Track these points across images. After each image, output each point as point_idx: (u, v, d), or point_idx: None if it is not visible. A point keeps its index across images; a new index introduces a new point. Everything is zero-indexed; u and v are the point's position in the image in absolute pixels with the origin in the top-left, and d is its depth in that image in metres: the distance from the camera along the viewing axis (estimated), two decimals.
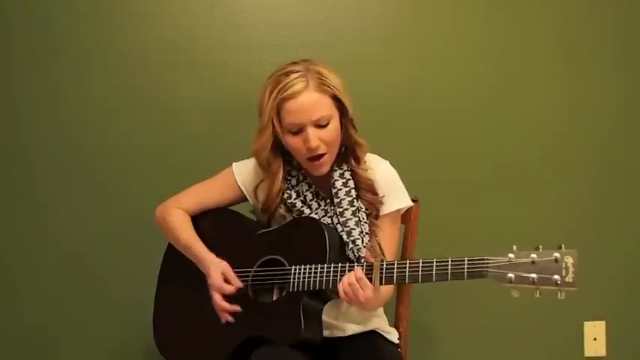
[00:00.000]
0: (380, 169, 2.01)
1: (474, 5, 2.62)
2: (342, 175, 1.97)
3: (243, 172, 2.07)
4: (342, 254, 1.89)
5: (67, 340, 2.57)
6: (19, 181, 2.55)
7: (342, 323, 2.02)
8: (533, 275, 1.57)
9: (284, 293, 1.88)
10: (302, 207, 1.98)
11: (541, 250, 1.59)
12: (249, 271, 1.94)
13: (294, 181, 2.01)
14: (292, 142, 1.91)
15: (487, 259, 1.63)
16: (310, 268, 1.83)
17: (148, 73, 2.54)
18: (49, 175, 2.55)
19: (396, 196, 2.01)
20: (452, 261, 1.67)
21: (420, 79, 2.60)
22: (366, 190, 1.97)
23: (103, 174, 2.56)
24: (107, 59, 2.54)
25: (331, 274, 1.81)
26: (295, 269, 1.86)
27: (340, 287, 1.77)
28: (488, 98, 2.63)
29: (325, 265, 1.82)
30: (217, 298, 1.92)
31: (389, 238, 2.00)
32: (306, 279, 1.83)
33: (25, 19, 2.52)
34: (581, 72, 2.66)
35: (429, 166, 2.58)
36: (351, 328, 2.02)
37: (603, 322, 2.67)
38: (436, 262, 1.69)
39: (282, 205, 1.99)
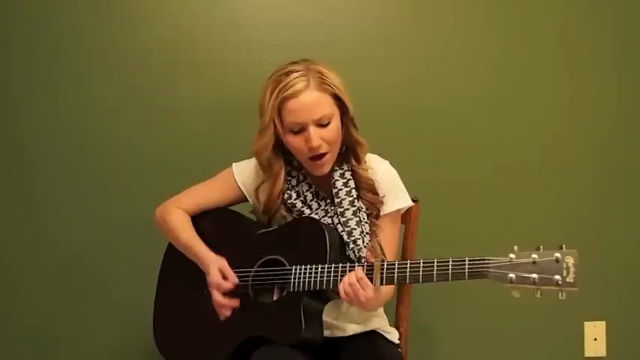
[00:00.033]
0: (380, 169, 2.01)
1: (473, 5, 2.62)
2: (342, 175, 1.97)
3: (244, 172, 2.07)
4: (342, 254, 1.89)
5: (67, 340, 2.57)
6: (19, 181, 2.55)
7: (343, 323, 2.02)
8: (534, 275, 1.57)
9: (284, 293, 1.88)
10: (302, 207, 1.98)
11: (542, 250, 1.59)
12: (250, 271, 1.94)
13: (294, 182, 2.01)
14: (294, 141, 1.91)
15: (488, 259, 1.63)
16: (311, 268, 1.83)
17: (148, 73, 2.54)
18: (49, 175, 2.55)
19: (396, 196, 2.01)
20: (453, 261, 1.67)
21: (420, 79, 2.60)
22: (366, 190, 1.97)
23: (103, 174, 2.56)
24: (107, 59, 2.54)
25: (332, 274, 1.81)
26: (296, 269, 1.86)
27: (341, 287, 1.77)
28: (488, 98, 2.63)
29: (326, 265, 1.82)
30: (216, 295, 1.92)
31: (389, 238, 2.00)
32: (307, 279, 1.83)
33: (26, 19, 2.52)
34: (581, 72, 2.65)
35: (429, 166, 2.58)
36: (352, 328, 2.02)
37: (603, 323, 2.67)
38: (437, 262, 1.69)
39: (282, 206, 1.99)
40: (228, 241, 2.01)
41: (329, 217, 1.96)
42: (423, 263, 1.71)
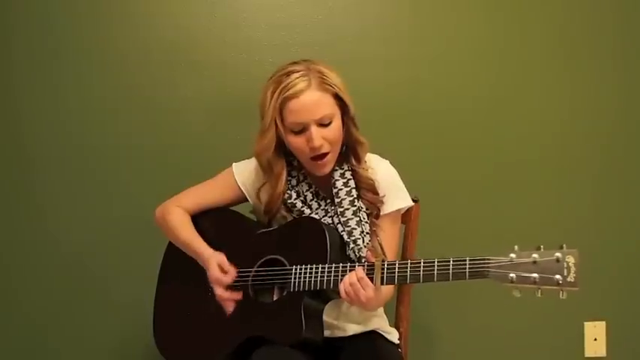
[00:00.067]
0: (380, 169, 2.01)
1: (474, 5, 2.62)
2: (342, 175, 1.97)
3: (244, 172, 2.07)
4: (342, 254, 1.89)
5: (67, 340, 2.57)
6: (19, 181, 2.55)
7: (343, 323, 2.02)
8: (535, 275, 1.57)
9: (285, 293, 1.88)
10: (302, 207, 1.98)
11: (542, 250, 1.59)
12: (250, 271, 1.94)
13: (294, 182, 2.01)
14: (295, 141, 1.91)
15: (489, 259, 1.63)
16: (311, 268, 1.83)
17: (148, 73, 2.54)
18: (49, 175, 2.55)
19: (396, 196, 2.01)
20: (453, 261, 1.67)
21: (420, 79, 2.60)
22: (366, 190, 1.97)
23: (103, 174, 2.56)
24: (107, 59, 2.54)
25: (332, 273, 1.81)
26: (296, 269, 1.85)
27: (341, 287, 1.77)
28: (489, 98, 2.63)
29: (326, 265, 1.82)
30: (217, 290, 1.92)
31: (389, 238, 2.00)
32: (307, 279, 1.83)
33: (26, 19, 2.52)
34: (581, 72, 2.66)
35: (429, 166, 2.58)
36: (352, 328, 2.02)
37: (603, 323, 2.67)
38: (437, 261, 1.69)
39: (282, 206, 1.99)
40: (228, 240, 2.00)
41: (329, 217, 1.95)
42: (424, 263, 1.71)
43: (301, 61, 1.92)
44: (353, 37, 2.57)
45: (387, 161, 2.04)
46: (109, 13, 2.53)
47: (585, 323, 2.68)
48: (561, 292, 1.56)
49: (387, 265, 1.76)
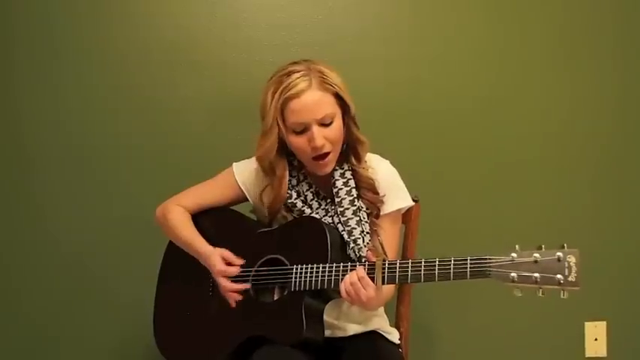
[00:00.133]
0: (381, 169, 2.01)
1: (474, 5, 2.63)
2: (342, 175, 1.97)
3: (244, 172, 2.07)
4: (343, 254, 1.89)
5: (67, 340, 2.57)
6: (19, 181, 2.55)
7: (344, 323, 2.01)
8: (536, 274, 1.57)
9: (285, 293, 1.88)
10: (303, 207, 1.97)
11: (544, 249, 1.59)
12: (251, 271, 1.94)
13: (294, 181, 2.00)
14: (296, 142, 1.90)
15: (490, 259, 1.63)
16: (312, 268, 1.83)
17: (148, 73, 2.54)
18: (49, 175, 2.55)
19: (396, 196, 2.00)
20: (454, 260, 1.67)
21: (420, 79, 2.60)
22: (366, 190, 1.97)
23: (103, 174, 2.55)
24: (107, 59, 2.54)
25: (333, 273, 1.81)
26: (296, 269, 1.85)
27: (342, 286, 1.77)
28: (489, 98, 2.63)
29: (327, 265, 1.82)
30: (223, 282, 1.92)
31: (390, 238, 2.00)
32: (308, 278, 1.83)
33: (26, 19, 2.52)
34: (581, 72, 2.66)
35: (429, 166, 2.58)
36: (352, 328, 2.02)
37: (604, 323, 2.68)
38: (439, 261, 1.69)
39: (282, 206, 1.99)
40: (228, 240, 2.00)
41: (329, 217, 1.95)
42: (425, 262, 1.71)
43: (301, 61, 1.92)
44: (353, 37, 2.57)
45: (388, 161, 2.04)
46: (109, 13, 2.53)
47: (586, 323, 2.68)
48: (562, 291, 1.56)
49: (388, 264, 1.76)
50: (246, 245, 1.98)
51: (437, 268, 1.69)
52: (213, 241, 2.00)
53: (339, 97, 1.90)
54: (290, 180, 2.00)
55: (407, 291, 2.19)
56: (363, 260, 1.85)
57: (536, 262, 1.58)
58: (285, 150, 1.96)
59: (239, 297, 1.91)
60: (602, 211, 2.66)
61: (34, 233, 2.55)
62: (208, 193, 2.10)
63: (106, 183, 2.56)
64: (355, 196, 1.94)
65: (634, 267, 2.68)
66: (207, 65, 2.55)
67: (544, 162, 2.64)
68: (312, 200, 1.99)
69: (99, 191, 2.56)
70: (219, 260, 1.93)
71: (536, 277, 1.57)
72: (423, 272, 1.71)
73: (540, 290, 1.58)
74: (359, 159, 1.98)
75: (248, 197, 2.07)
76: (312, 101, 1.86)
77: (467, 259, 1.66)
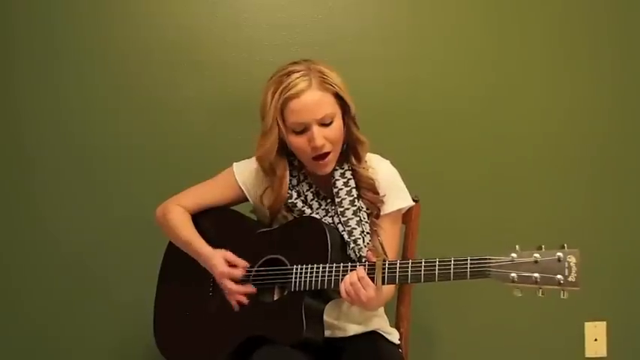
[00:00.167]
0: (381, 169, 2.01)
1: (473, 5, 2.63)
2: (342, 175, 1.97)
3: (244, 172, 2.07)
4: (343, 254, 1.89)
5: (67, 340, 2.57)
6: (19, 181, 2.55)
7: (344, 323, 2.01)
8: (536, 275, 1.58)
9: (285, 293, 1.88)
10: (303, 207, 1.97)
11: (544, 249, 1.59)
12: (251, 271, 1.93)
13: (294, 181, 2.00)
14: (296, 142, 1.90)
15: (490, 259, 1.63)
16: (312, 268, 1.83)
17: (149, 73, 2.54)
18: (50, 175, 2.55)
19: (397, 196, 2.00)
20: (454, 260, 1.67)
21: (419, 78, 2.60)
22: (366, 190, 1.97)
23: (104, 174, 2.56)
24: (108, 59, 2.54)
25: (333, 273, 1.81)
26: (297, 269, 1.85)
27: (342, 287, 1.76)
28: (488, 98, 2.63)
29: (327, 265, 1.82)
30: (228, 284, 1.91)
31: (390, 238, 2.00)
32: (308, 279, 1.83)
33: (26, 20, 2.52)
34: (581, 72, 2.66)
35: (429, 166, 2.58)
36: (352, 329, 2.02)
37: (604, 323, 2.68)
38: (439, 261, 1.69)
39: (282, 206, 1.99)
40: (228, 240, 2.00)
41: (329, 217, 1.95)
42: (425, 263, 1.71)
43: (301, 61, 1.92)
44: (353, 37, 2.58)
45: (388, 161, 2.04)
46: (110, 14, 2.53)
47: (586, 323, 2.68)
48: (562, 291, 1.56)
49: (388, 264, 1.76)
50: (246, 245, 1.98)
51: (437, 268, 1.69)
52: (213, 241, 2.00)
53: (339, 97, 1.90)
54: (290, 180, 2.00)
55: (407, 291, 2.19)
56: (363, 260, 1.85)
57: (536, 262, 1.58)
58: (285, 150, 1.96)
59: (245, 300, 1.91)
60: (601, 211, 2.67)
61: (34, 233, 2.55)
62: (208, 193, 2.10)
63: (107, 183, 2.56)
64: (355, 196, 1.94)
65: (634, 267, 2.69)
66: (208, 65, 2.55)
67: (544, 162, 2.64)
68: (312, 200, 1.99)
69: (99, 191, 2.56)
70: (222, 262, 1.93)
71: (536, 278, 1.57)
72: (423, 272, 1.71)
73: (540, 290, 1.58)
74: (359, 159, 1.98)
75: (248, 197, 2.07)
76: (312, 101, 1.86)
77: (467, 260, 1.66)
